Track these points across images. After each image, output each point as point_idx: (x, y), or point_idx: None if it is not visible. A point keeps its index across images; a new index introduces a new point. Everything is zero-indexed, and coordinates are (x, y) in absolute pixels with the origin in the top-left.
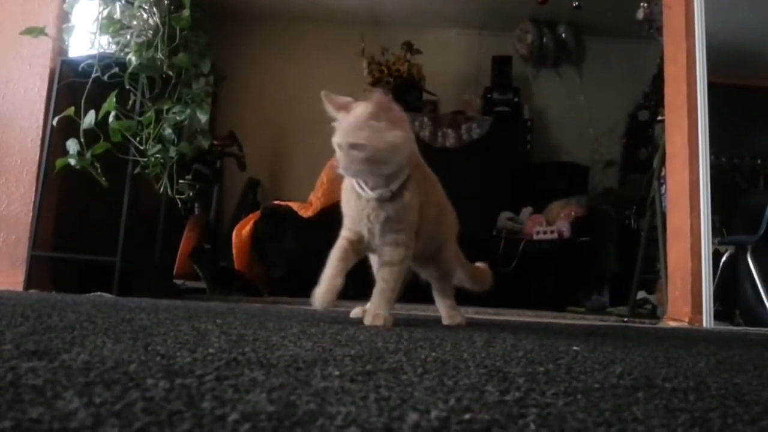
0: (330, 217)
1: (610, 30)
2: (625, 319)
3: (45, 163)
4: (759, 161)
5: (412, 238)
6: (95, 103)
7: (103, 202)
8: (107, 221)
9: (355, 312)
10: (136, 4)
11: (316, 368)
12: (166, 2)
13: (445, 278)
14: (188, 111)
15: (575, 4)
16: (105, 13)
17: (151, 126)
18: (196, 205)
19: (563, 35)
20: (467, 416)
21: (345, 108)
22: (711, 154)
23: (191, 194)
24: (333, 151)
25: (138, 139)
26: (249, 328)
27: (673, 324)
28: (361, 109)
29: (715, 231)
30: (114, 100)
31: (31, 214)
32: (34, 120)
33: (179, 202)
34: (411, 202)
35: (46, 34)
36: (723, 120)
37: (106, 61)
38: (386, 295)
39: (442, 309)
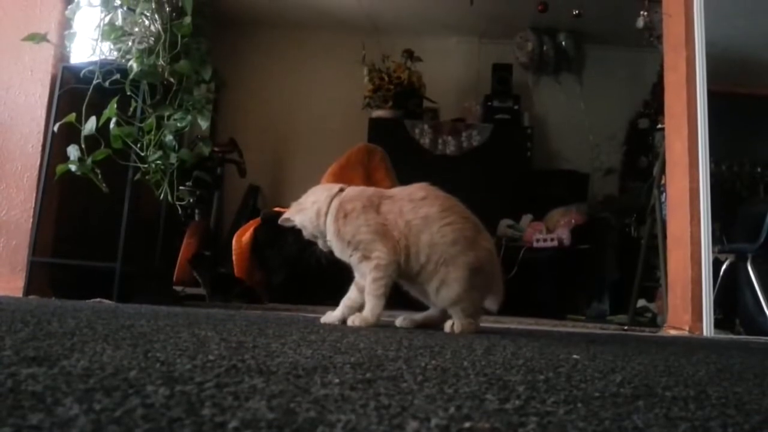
0: None
1: (610, 38)
2: (626, 327)
3: (46, 169)
4: (759, 169)
5: (374, 249)
6: (96, 110)
7: (103, 209)
8: (107, 227)
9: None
10: (138, 11)
11: (315, 376)
12: (167, 9)
13: None
14: (189, 117)
15: (575, 12)
16: (107, 19)
17: (152, 132)
18: (197, 211)
19: (563, 43)
20: (467, 424)
21: None
22: (711, 162)
23: (191, 200)
24: (333, 158)
25: (139, 145)
26: (249, 335)
27: (673, 332)
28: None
29: (715, 239)
30: (115, 106)
31: (31, 219)
32: (35, 126)
33: (179, 209)
34: (333, 234)
35: (47, 41)
36: (723, 128)
37: (107, 68)
38: (370, 302)
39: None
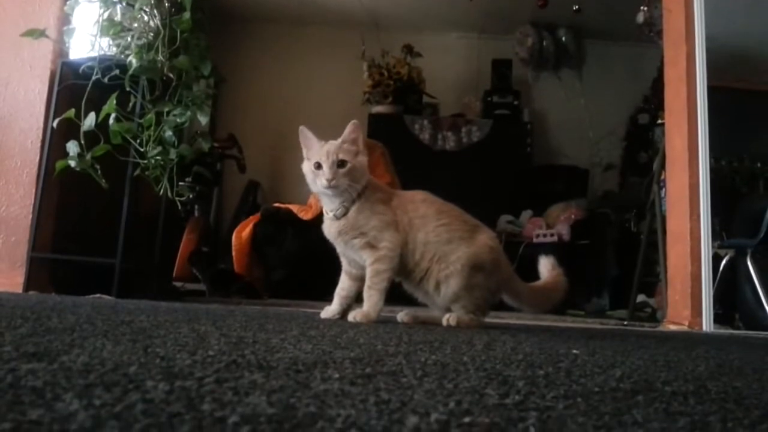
0: None
1: (610, 33)
2: (625, 323)
3: (45, 165)
4: (759, 165)
5: (383, 239)
6: (95, 105)
7: (103, 204)
8: (107, 223)
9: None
10: (137, 6)
11: (315, 371)
12: (166, 4)
13: None
14: (188, 113)
15: (575, 7)
16: (106, 15)
17: (152, 128)
18: (196, 207)
19: (563, 38)
20: (467, 419)
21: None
22: (711, 157)
23: (191, 196)
24: None
25: (138, 141)
26: (249, 331)
27: (672, 327)
28: (340, 139)
29: (715, 234)
30: (114, 102)
31: (30, 215)
32: (34, 122)
33: (179, 204)
34: (357, 216)
35: (46, 36)
36: (723, 123)
37: (106, 63)
38: (372, 297)
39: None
